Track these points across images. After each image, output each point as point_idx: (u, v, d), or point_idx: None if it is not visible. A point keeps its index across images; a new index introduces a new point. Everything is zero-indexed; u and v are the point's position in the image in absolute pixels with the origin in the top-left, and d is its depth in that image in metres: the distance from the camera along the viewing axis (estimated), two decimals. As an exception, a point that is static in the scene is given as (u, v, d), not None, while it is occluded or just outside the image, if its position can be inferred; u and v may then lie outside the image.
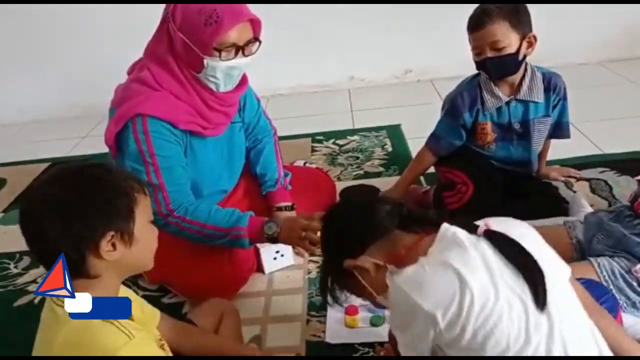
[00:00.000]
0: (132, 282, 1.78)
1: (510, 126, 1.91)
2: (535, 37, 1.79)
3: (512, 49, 1.76)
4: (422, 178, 2.26)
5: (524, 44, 1.77)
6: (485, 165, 1.94)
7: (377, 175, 2.41)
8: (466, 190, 1.85)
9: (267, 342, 1.55)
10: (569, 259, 1.47)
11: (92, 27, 3.46)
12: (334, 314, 1.59)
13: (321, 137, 2.85)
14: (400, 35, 3.41)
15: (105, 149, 2.72)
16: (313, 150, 2.73)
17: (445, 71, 3.49)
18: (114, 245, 0.96)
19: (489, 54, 1.76)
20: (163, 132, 1.57)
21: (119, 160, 1.61)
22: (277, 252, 1.84)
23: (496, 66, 1.78)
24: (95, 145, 3.06)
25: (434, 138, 2.00)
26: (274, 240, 1.64)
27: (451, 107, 1.94)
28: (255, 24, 1.57)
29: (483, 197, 1.83)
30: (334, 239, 1.16)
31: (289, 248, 1.85)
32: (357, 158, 2.59)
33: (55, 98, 3.68)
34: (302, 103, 3.38)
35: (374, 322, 1.57)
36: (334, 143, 2.78)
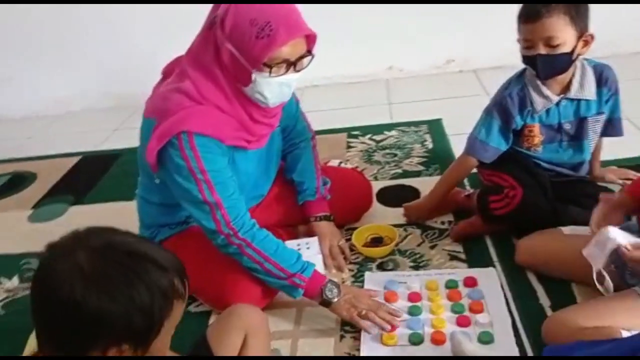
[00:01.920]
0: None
1: (560, 127, 1.76)
2: (592, 37, 1.62)
3: (567, 48, 1.59)
4: (466, 181, 2.11)
5: (580, 43, 1.61)
6: (533, 168, 1.78)
7: (417, 174, 2.27)
8: (514, 195, 1.70)
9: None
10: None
11: (125, 15, 3.39)
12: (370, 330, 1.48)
13: (357, 132, 2.72)
14: (441, 22, 3.23)
15: (133, 144, 2.67)
16: (348, 146, 2.61)
17: (489, 61, 3.33)
18: (120, 351, 0.85)
19: (542, 50, 1.60)
20: (211, 147, 1.47)
21: (161, 174, 1.52)
22: (299, 244, 1.71)
23: (547, 65, 1.62)
24: (127, 138, 3.00)
25: (479, 144, 1.80)
26: (327, 304, 1.51)
27: (501, 110, 1.77)
28: (310, 37, 1.45)
29: (533, 202, 1.69)
30: None
31: (315, 240, 1.74)
32: (395, 155, 2.46)
33: (88, 88, 3.64)
34: (337, 95, 3.25)
35: (414, 341, 1.46)
36: (370, 139, 2.65)
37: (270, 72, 1.42)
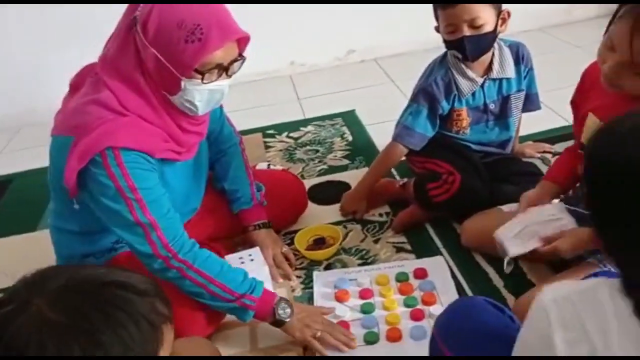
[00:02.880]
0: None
1: (486, 108, 1.79)
2: (509, 13, 1.66)
3: (490, 27, 1.63)
4: (394, 170, 2.10)
5: (499, 21, 1.65)
6: (465, 151, 1.81)
7: (344, 168, 2.23)
8: (453, 180, 1.70)
9: (262, 380, 1.35)
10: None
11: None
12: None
13: (272, 131, 2.64)
14: (339, 13, 3.23)
15: (23, 167, 2.40)
16: (266, 146, 2.51)
17: (390, 49, 3.37)
18: None
19: (467, 32, 1.62)
20: (140, 162, 1.31)
21: (82, 198, 1.35)
22: (241, 258, 1.61)
23: (474, 45, 1.64)
24: (13, 163, 2.73)
25: (406, 131, 1.80)
26: (279, 324, 1.40)
27: (427, 96, 1.77)
28: (241, 39, 1.34)
29: (471, 186, 1.70)
30: None
31: (258, 250, 1.64)
32: (317, 151, 2.40)
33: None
34: (242, 94, 3.12)
35: (369, 340, 1.42)
36: (288, 137, 2.57)
37: (202, 78, 1.30)
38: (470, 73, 1.74)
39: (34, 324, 0.66)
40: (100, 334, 0.67)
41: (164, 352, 0.73)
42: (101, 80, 1.33)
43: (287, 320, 1.39)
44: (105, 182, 1.30)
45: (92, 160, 1.28)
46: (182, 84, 1.30)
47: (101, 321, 0.67)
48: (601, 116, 1.33)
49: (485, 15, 1.60)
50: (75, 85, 1.42)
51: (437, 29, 1.71)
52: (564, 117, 2.34)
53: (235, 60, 1.35)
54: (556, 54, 3.07)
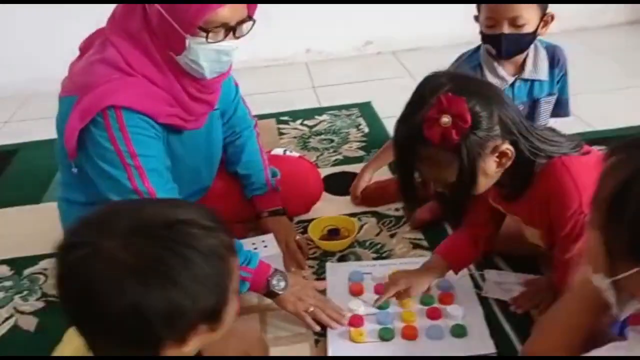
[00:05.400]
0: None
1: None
2: (552, 17, 1.62)
3: (531, 28, 1.58)
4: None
5: (541, 23, 1.60)
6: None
7: (359, 160, 2.17)
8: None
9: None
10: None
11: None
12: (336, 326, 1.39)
13: (287, 118, 2.58)
14: (357, 4, 3.17)
15: (29, 138, 2.35)
16: (280, 132, 2.46)
17: (408, 42, 3.31)
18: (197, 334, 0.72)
19: (506, 29, 1.57)
20: (143, 127, 1.28)
21: (80, 161, 1.31)
22: (254, 244, 1.55)
23: (511, 44, 1.60)
24: (19, 133, 2.67)
25: None
26: (272, 295, 1.38)
27: None
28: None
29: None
30: None
31: (272, 237, 1.59)
32: (332, 141, 2.35)
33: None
34: (257, 79, 3.07)
35: (384, 337, 1.37)
36: (302, 124, 2.52)
37: (206, 37, 1.26)
38: (501, 71, 1.69)
39: (110, 268, 0.65)
40: (176, 274, 0.66)
41: (233, 283, 0.74)
42: (108, 40, 1.30)
43: (281, 292, 1.37)
44: (105, 145, 1.26)
45: (94, 120, 1.25)
46: (187, 42, 1.26)
47: (175, 261, 0.67)
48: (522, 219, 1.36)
49: (529, 16, 1.56)
50: (85, 49, 1.38)
51: (477, 19, 1.66)
52: (587, 122, 2.29)
53: (243, 22, 1.30)
54: (579, 59, 3.01)
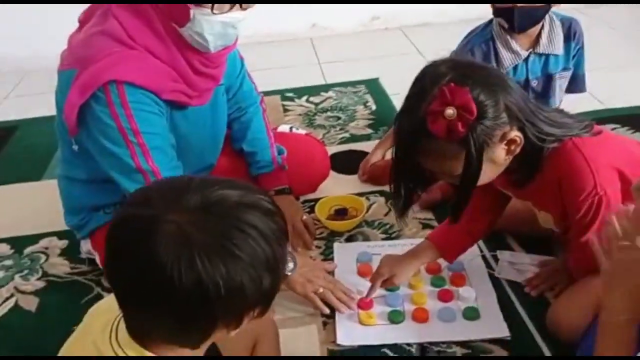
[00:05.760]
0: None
1: (528, 84, 1.68)
2: None
3: None
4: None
5: None
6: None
7: (367, 138, 2.13)
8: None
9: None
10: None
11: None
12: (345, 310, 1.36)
13: (292, 94, 2.52)
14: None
15: (30, 114, 2.30)
16: (285, 109, 2.41)
17: (416, 17, 3.23)
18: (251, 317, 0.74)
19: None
20: (147, 103, 1.23)
21: (81, 138, 1.26)
22: None
23: (526, 17, 1.55)
24: (19, 110, 2.62)
25: None
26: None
27: None
28: None
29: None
30: None
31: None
32: (339, 118, 2.29)
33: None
34: (261, 55, 3.00)
35: (393, 319, 1.34)
36: (307, 101, 2.46)
37: (212, 8, 1.20)
38: (514, 45, 1.63)
39: (178, 240, 0.64)
40: (241, 253, 0.66)
41: (286, 268, 0.79)
42: (109, 11, 1.24)
43: (290, 274, 1.33)
44: (107, 121, 1.22)
45: (94, 95, 1.20)
46: (191, 12, 1.21)
47: (240, 240, 0.67)
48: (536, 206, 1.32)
49: None
50: (85, 20, 1.33)
51: None
52: (599, 100, 2.23)
53: None
54: (591, 34, 2.94)
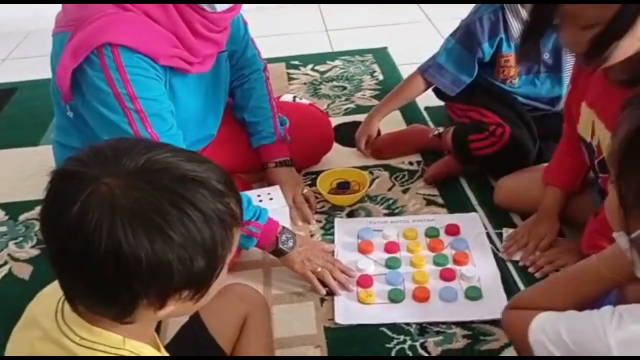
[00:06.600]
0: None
1: (539, 57, 1.61)
2: None
3: None
4: (427, 117, 1.94)
5: None
6: (514, 103, 1.64)
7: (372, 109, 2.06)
8: (502, 133, 1.54)
9: (274, 330, 1.21)
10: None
11: None
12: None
13: (297, 62, 2.46)
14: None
15: (29, 76, 2.24)
16: (290, 78, 2.34)
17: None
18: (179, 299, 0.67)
19: None
20: (142, 66, 1.17)
21: (76, 104, 1.21)
22: (259, 196, 1.48)
23: None
24: (18, 71, 2.56)
25: (436, 67, 1.66)
26: (280, 254, 1.32)
27: (467, 35, 1.60)
28: None
29: (520, 141, 1.54)
30: None
31: (278, 189, 1.52)
32: (345, 88, 2.23)
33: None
34: (266, 20, 2.92)
35: (394, 298, 1.31)
36: (313, 69, 2.39)
37: None
38: (525, 14, 1.55)
39: (105, 205, 0.60)
40: (170, 230, 0.61)
41: (230, 255, 0.70)
42: None
43: (289, 251, 1.30)
44: (102, 87, 1.16)
45: (88, 58, 1.14)
46: None
47: (173, 216, 0.61)
48: (591, 103, 1.22)
49: None
50: None
51: None
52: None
53: None
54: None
